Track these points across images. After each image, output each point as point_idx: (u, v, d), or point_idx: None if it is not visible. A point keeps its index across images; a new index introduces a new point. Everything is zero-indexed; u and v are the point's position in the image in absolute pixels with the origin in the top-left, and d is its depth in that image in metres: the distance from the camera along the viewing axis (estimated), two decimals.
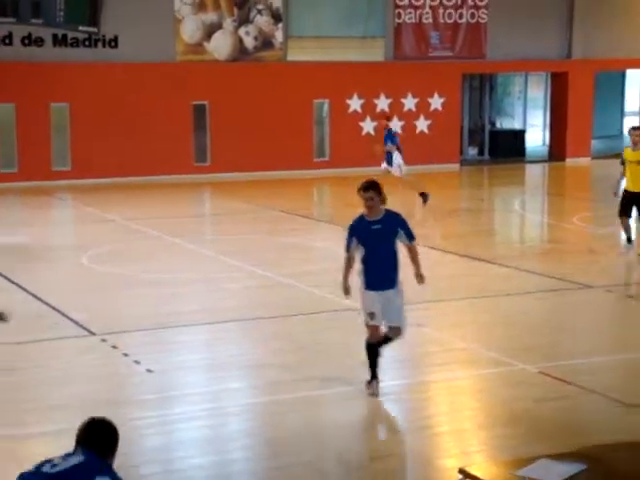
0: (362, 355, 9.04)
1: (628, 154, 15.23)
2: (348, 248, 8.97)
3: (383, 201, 8.91)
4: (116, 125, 25.22)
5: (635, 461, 6.18)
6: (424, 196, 20.52)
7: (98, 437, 4.83)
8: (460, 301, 12.57)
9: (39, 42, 24.80)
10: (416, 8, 28.22)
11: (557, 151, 30.76)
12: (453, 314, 11.93)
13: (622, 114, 36.94)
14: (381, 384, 8.96)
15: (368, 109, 27.68)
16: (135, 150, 25.45)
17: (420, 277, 9.01)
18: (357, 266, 9.01)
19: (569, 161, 30.12)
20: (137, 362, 9.98)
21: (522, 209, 22.32)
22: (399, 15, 28.10)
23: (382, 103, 27.89)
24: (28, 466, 4.78)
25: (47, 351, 10.48)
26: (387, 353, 9.07)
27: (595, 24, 29.83)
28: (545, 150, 32.11)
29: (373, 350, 8.92)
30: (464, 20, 28.77)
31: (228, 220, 20.05)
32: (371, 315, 8.87)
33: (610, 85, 34.61)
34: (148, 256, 15.90)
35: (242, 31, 26.68)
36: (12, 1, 24.53)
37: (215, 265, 15.11)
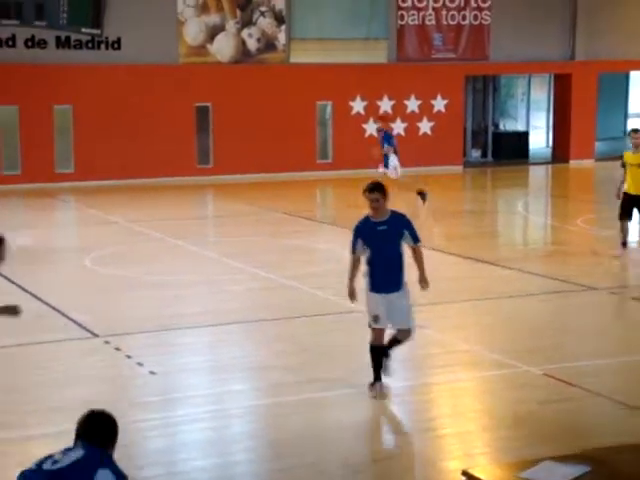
0: (365, 357, 9.02)
1: (628, 157, 15.18)
2: (354, 250, 8.95)
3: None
4: (119, 127, 25.23)
5: (639, 463, 6.16)
6: (422, 195, 20.47)
7: (98, 429, 4.84)
8: (463, 303, 12.55)
9: (42, 44, 24.82)
10: (419, 10, 28.22)
11: (560, 153, 30.73)
12: (456, 316, 11.91)
13: (626, 116, 36.91)
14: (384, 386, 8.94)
15: (371, 111, 27.66)
16: (138, 152, 25.45)
17: (424, 282, 8.98)
18: (362, 268, 8.98)
19: (573, 163, 30.10)
20: (140, 364, 9.98)
21: (525, 211, 22.30)
22: (402, 17, 28.10)
23: (385, 105, 27.89)
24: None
25: (50, 353, 10.48)
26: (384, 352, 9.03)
27: (598, 25, 29.81)
28: (548, 152, 32.08)
29: (377, 352, 8.91)
30: (467, 22, 28.76)
31: (231, 222, 20.04)
32: (375, 318, 8.85)
33: (614, 87, 34.57)
34: (151, 258, 15.90)
35: (245, 33, 26.69)
36: (15, 3, 24.56)
37: (218, 267, 15.10)
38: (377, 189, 8.79)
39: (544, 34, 29.54)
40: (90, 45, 25.22)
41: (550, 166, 30.38)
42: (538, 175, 29.69)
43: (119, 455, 4.95)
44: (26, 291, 12.95)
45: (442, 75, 28.27)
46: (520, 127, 34.26)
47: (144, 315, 12.05)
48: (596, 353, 10.35)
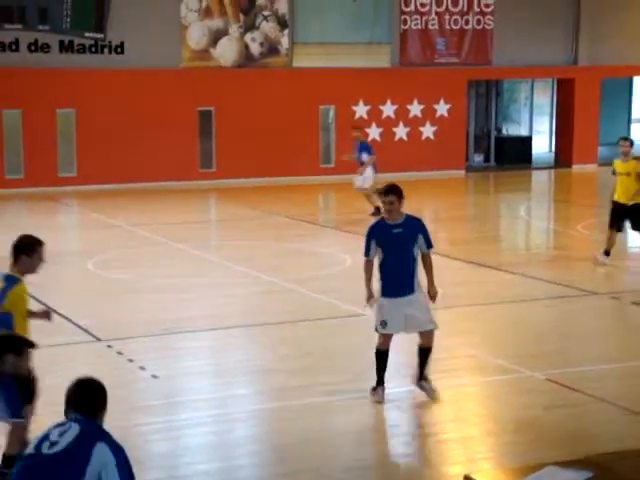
0: (368, 361, 9.01)
1: (618, 165, 15.01)
2: (367, 252, 8.88)
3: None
4: (122, 131, 25.25)
5: None
6: (377, 210, 20.25)
7: (88, 399, 4.87)
8: (466, 308, 12.54)
9: (46, 48, 24.84)
10: (422, 14, 28.23)
11: (563, 158, 30.73)
12: (460, 321, 11.89)
13: (629, 121, 36.88)
14: (387, 390, 8.94)
15: (374, 115, 27.68)
16: (141, 156, 25.46)
17: (433, 291, 8.91)
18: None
19: (575, 168, 30.09)
20: (142, 368, 9.97)
21: (528, 216, 22.29)
22: (405, 21, 28.11)
23: (388, 109, 27.89)
24: None
25: (52, 357, 10.45)
26: (392, 359, 9.02)
27: (602, 30, 29.80)
28: (551, 157, 32.07)
29: (382, 357, 8.88)
30: (470, 26, 28.77)
31: (234, 226, 20.04)
32: (383, 323, 8.80)
33: (617, 92, 34.56)
34: (154, 262, 15.90)
35: (248, 37, 26.70)
36: (19, 8, 24.58)
37: (220, 271, 15.10)
38: (392, 192, 8.72)
39: (547, 39, 29.54)
40: (93, 49, 25.25)
41: (553, 171, 30.37)
42: (541, 180, 29.67)
43: None
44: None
45: (445, 80, 28.27)
46: (523, 132, 34.26)
47: (146, 319, 12.04)
48: (600, 358, 10.33)
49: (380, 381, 8.89)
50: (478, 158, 31.43)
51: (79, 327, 11.53)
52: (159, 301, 12.99)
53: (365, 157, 20.06)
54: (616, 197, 15.06)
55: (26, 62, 24.58)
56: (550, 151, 33.10)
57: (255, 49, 26.81)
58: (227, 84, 26.19)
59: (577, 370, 9.87)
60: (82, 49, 25.15)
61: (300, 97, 26.84)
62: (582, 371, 9.85)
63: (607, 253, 15.06)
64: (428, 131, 28.45)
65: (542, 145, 33.77)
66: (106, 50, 25.34)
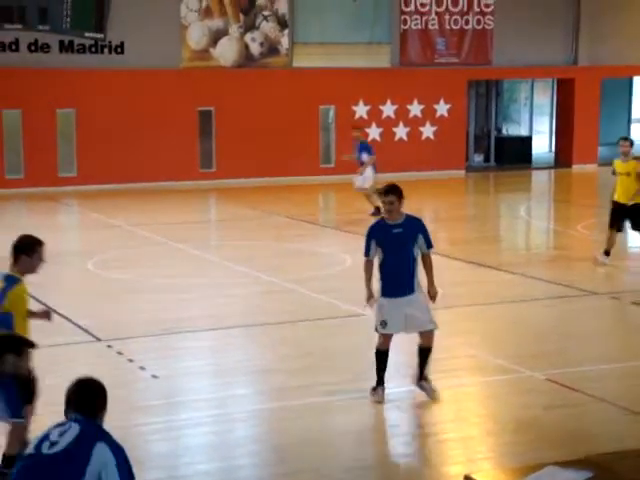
0: (368, 361, 9.01)
1: (618, 165, 14.99)
2: (367, 252, 8.87)
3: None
4: (122, 131, 25.25)
5: None
6: (377, 210, 20.22)
7: (88, 399, 4.88)
8: (466, 307, 12.54)
9: (45, 48, 24.84)
10: (422, 14, 28.22)
11: (563, 158, 30.73)
12: (460, 321, 11.89)
13: (629, 121, 36.88)
14: (387, 390, 8.94)
15: (374, 115, 27.68)
16: (141, 156, 25.47)
17: (433, 291, 8.91)
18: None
19: (575, 168, 30.09)
20: (142, 368, 9.97)
21: (528, 216, 22.29)
22: (405, 21, 28.11)
23: (388, 109, 27.89)
24: None
25: (51, 357, 10.45)
26: (392, 359, 9.02)
27: (602, 30, 29.80)
28: (551, 157, 32.07)
29: (382, 357, 8.88)
30: (470, 26, 28.77)
31: (234, 226, 20.04)
32: (383, 323, 8.80)
33: (617, 92, 34.57)
34: (154, 262, 15.90)
35: (248, 37, 26.70)
36: (19, 8, 24.58)
37: (220, 271, 15.10)
38: (392, 192, 8.71)
39: (547, 39, 29.54)
40: (93, 49, 25.25)
41: (553, 171, 30.38)
42: (541, 180, 29.67)
43: None
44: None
45: (445, 80, 28.27)
46: (523, 132, 34.26)
47: (146, 319, 12.04)
48: (600, 358, 10.33)
49: (380, 381, 8.89)
50: (478, 158, 31.43)
51: (79, 327, 11.53)
52: (159, 301, 12.99)
53: (365, 157, 20.06)
54: (616, 197, 15.06)
55: (26, 62, 24.58)
56: (550, 151, 33.11)
57: (255, 49, 26.81)
58: (227, 84, 26.19)
59: (577, 370, 9.87)
60: (82, 49, 25.15)
61: (300, 97, 26.84)
62: (582, 371, 9.85)
63: (607, 253, 15.06)
64: (428, 131, 28.46)
65: (542, 145, 33.78)
66: (106, 50, 25.34)
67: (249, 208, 21.93)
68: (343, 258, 15.41)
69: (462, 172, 28.94)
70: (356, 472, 7.48)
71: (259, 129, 26.39)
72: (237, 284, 14.00)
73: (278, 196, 23.98)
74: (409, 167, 27.31)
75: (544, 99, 34.65)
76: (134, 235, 18.39)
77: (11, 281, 7.13)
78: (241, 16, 26.59)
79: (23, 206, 23.07)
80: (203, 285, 14.01)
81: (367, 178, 19.84)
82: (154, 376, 9.70)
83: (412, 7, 28.11)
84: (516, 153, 31.23)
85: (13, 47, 24.60)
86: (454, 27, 28.62)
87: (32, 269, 7.32)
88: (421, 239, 8.79)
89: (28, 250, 7.26)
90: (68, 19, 24.99)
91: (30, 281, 7.42)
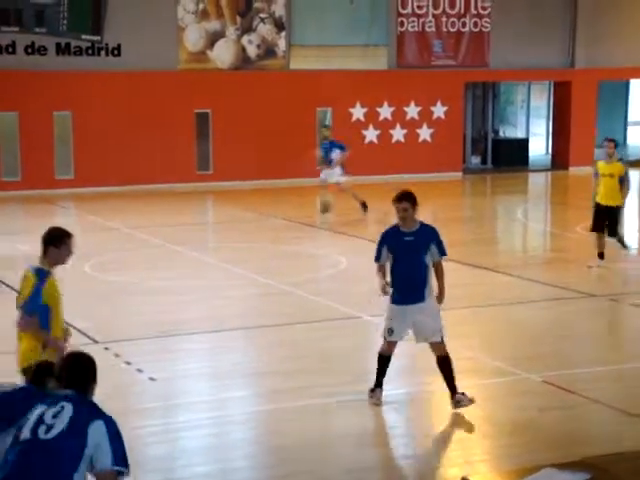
0: (366, 363, 9.02)
1: (602, 167, 14.94)
2: (378, 258, 8.78)
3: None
4: (119, 133, 25.25)
5: (639, 471, 6.16)
6: (364, 206, 20.26)
7: (80, 374, 4.99)
8: (463, 310, 12.54)
9: (42, 51, 24.84)
10: (419, 16, 28.25)
11: (560, 160, 30.75)
12: (457, 323, 11.88)
13: (625, 123, 36.91)
14: (385, 392, 8.94)
15: (371, 117, 27.69)
16: (138, 158, 25.47)
17: (442, 298, 8.83)
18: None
19: (572, 170, 30.09)
20: (140, 370, 9.97)
21: (525, 218, 22.30)
22: (402, 23, 28.13)
23: (385, 111, 27.91)
24: None
25: None
26: (392, 361, 9.01)
27: (599, 33, 29.83)
28: (548, 159, 32.09)
29: (384, 362, 8.86)
30: (467, 29, 28.79)
31: (231, 228, 20.05)
32: (390, 331, 8.76)
33: (614, 94, 34.59)
34: (151, 264, 15.90)
35: (245, 39, 26.71)
36: (16, 10, 24.58)
37: (218, 273, 15.10)
38: (406, 198, 8.60)
39: (544, 41, 29.56)
40: (90, 52, 25.24)
41: (550, 173, 30.39)
42: (538, 182, 29.70)
43: None
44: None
45: (442, 82, 28.29)
46: (520, 134, 34.28)
47: (144, 321, 12.05)
48: (596, 360, 10.35)
49: (378, 384, 8.89)
50: (475, 160, 31.44)
51: (76, 329, 11.51)
52: (156, 303, 12.99)
53: (337, 153, 20.32)
54: (598, 199, 15.01)
55: (23, 64, 24.58)
56: (547, 153, 33.12)
57: (252, 51, 26.81)
58: (224, 86, 26.19)
59: (573, 372, 9.89)
60: (79, 51, 25.14)
61: (297, 99, 26.85)
62: (578, 373, 9.87)
63: (601, 256, 15.04)
64: (425, 133, 28.48)
65: (539, 147, 33.79)
66: (103, 52, 25.34)
67: (246, 210, 21.94)
68: (340, 260, 15.43)
69: (459, 174, 28.95)
70: (354, 474, 7.49)
71: (256, 131, 26.40)
72: (234, 286, 14.00)
73: (275, 198, 23.99)
74: (406, 169, 27.33)
75: (541, 101, 34.68)
76: (131, 237, 18.39)
77: (42, 276, 7.35)
78: (238, 18, 26.61)
79: (20, 209, 23.06)
80: (200, 287, 14.02)
81: (341, 174, 20.22)
82: (151, 378, 9.71)
83: (409, 9, 28.13)
84: (513, 155, 31.25)
85: (10, 49, 24.60)
86: (451, 29, 28.64)
87: (61, 260, 7.54)
88: (434, 248, 8.70)
89: (56, 242, 7.50)
90: (65, 21, 24.99)
91: None
